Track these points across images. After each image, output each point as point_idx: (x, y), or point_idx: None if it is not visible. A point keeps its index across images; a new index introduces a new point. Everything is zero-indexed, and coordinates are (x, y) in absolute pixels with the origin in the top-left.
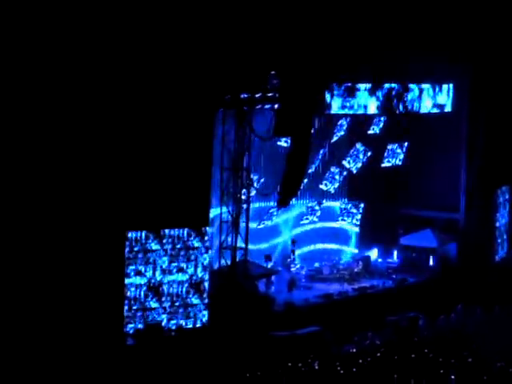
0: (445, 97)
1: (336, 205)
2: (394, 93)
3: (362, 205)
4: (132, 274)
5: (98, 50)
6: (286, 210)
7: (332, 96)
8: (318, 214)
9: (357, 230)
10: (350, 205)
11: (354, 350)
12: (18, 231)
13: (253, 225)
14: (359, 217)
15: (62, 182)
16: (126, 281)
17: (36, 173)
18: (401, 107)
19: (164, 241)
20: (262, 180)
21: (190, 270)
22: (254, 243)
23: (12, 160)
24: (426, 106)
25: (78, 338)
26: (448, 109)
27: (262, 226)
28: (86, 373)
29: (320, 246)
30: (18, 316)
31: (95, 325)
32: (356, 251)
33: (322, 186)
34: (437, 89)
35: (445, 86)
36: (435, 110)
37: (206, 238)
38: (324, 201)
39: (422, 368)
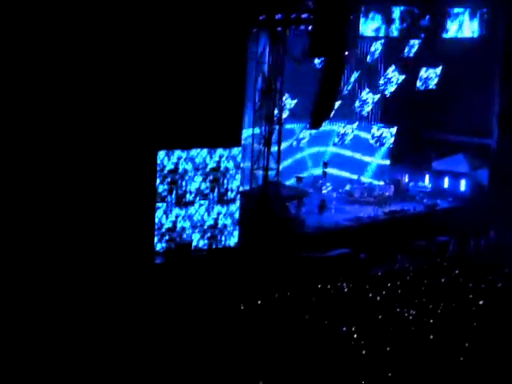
0: (480, 22)
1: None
2: (428, 16)
3: (394, 129)
4: (164, 193)
5: None
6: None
7: (366, 18)
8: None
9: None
10: (382, 131)
11: (384, 273)
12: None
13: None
14: (392, 140)
15: (92, 97)
16: (157, 199)
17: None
18: (435, 31)
19: (196, 161)
20: (295, 101)
21: (222, 191)
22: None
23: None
24: (462, 31)
25: (107, 256)
26: (483, 33)
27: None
28: (114, 290)
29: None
30: (50, 228)
31: (125, 243)
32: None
33: (355, 108)
34: (472, 13)
35: (481, 11)
36: (470, 35)
37: (239, 158)
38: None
39: (451, 293)
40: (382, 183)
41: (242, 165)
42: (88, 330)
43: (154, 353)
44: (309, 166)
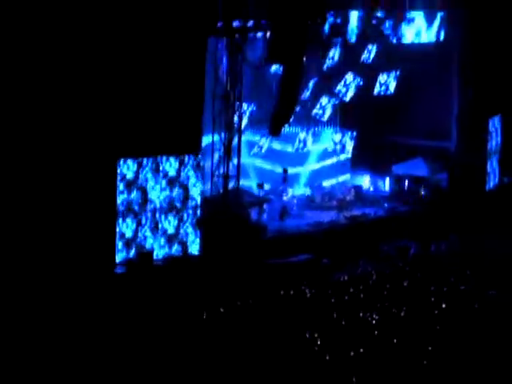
0: (438, 26)
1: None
2: (386, 21)
3: (354, 133)
4: (124, 203)
5: None
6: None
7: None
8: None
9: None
10: (342, 136)
11: (346, 278)
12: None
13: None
14: (351, 145)
15: (50, 108)
16: (118, 208)
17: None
18: (393, 36)
19: (156, 168)
20: (253, 108)
21: (183, 198)
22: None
23: None
24: (419, 35)
25: (68, 267)
26: (441, 38)
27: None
28: (75, 301)
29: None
30: (8, 236)
31: (86, 254)
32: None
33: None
34: (429, 18)
35: (438, 15)
36: (428, 40)
37: (199, 166)
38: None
39: (413, 297)
40: (342, 188)
41: (202, 172)
42: (48, 341)
43: (116, 364)
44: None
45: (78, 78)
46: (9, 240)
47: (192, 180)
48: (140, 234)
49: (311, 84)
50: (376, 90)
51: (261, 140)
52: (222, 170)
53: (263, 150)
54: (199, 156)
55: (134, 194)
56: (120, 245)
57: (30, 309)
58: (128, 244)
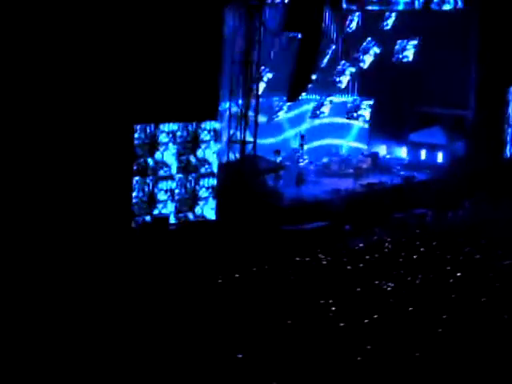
0: None
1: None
2: None
3: (371, 101)
4: (140, 167)
5: None
6: (295, 106)
7: None
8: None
9: (362, 124)
10: (359, 101)
11: (362, 246)
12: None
13: (262, 119)
14: (368, 112)
15: (67, 72)
16: (134, 173)
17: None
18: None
19: (173, 134)
20: (271, 75)
21: (199, 164)
22: (263, 138)
23: None
24: (437, 2)
25: (84, 232)
26: (459, 5)
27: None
28: (90, 265)
29: (328, 141)
30: (29, 206)
31: (102, 218)
32: (363, 146)
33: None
34: None
35: None
36: (447, 7)
37: (216, 131)
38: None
39: (429, 265)
40: (359, 156)
41: (219, 138)
42: (64, 301)
43: (132, 330)
44: (285, 129)
45: (96, 45)
46: (30, 203)
47: (208, 146)
48: (156, 199)
49: (329, 51)
50: (395, 58)
51: (277, 106)
52: (238, 136)
53: (280, 117)
54: (217, 121)
55: (151, 160)
56: (136, 209)
57: (46, 276)
58: (144, 209)
